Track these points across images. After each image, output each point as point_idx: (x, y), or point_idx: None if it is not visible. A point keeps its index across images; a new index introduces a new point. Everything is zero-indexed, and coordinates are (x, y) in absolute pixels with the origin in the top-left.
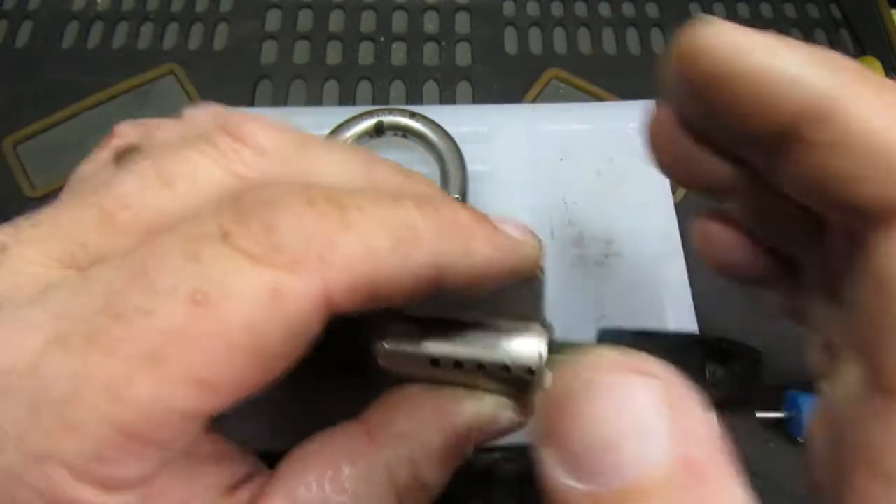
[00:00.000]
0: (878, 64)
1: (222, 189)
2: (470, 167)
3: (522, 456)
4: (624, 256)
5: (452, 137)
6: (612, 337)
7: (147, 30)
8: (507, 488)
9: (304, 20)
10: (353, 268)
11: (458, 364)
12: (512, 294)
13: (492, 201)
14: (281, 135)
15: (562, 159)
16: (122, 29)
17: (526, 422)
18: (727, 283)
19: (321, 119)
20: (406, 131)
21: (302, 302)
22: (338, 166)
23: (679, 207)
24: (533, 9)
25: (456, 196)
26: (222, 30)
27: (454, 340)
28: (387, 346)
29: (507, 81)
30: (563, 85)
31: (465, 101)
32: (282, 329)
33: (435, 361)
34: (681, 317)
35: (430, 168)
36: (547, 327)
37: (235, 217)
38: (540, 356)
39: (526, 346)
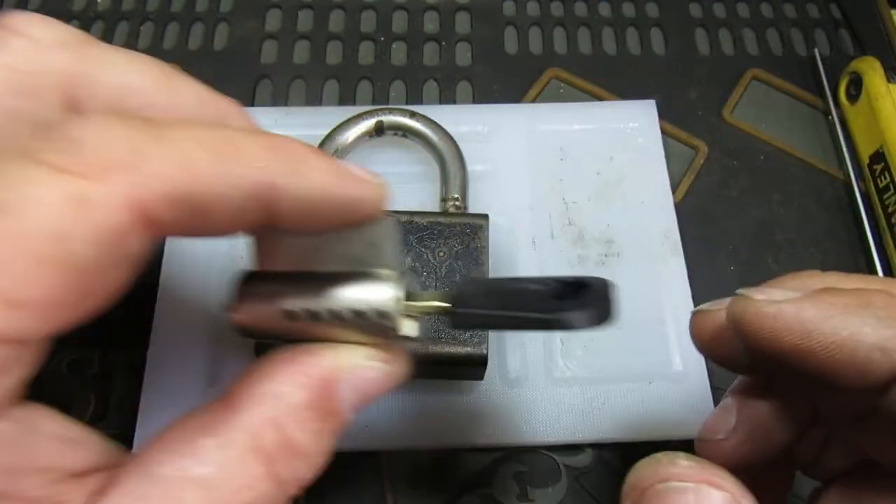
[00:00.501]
0: (877, 64)
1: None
2: (470, 167)
3: (522, 456)
4: (624, 256)
5: (452, 137)
6: (471, 287)
7: (147, 30)
8: (508, 488)
9: (304, 20)
10: (168, 178)
11: (314, 315)
12: (365, 245)
13: (492, 201)
14: (60, 29)
15: (562, 159)
16: (123, 29)
17: (404, 375)
18: (727, 283)
19: (321, 119)
20: (406, 131)
21: (110, 211)
22: (129, 69)
23: (679, 207)
24: (533, 9)
25: (455, 196)
26: (222, 30)
27: (307, 292)
28: (239, 303)
29: (507, 81)
30: (563, 85)
31: (465, 101)
32: (92, 241)
33: (290, 315)
34: (681, 316)
35: (430, 167)
36: (401, 274)
37: (39, 132)
38: (396, 300)
39: (379, 292)
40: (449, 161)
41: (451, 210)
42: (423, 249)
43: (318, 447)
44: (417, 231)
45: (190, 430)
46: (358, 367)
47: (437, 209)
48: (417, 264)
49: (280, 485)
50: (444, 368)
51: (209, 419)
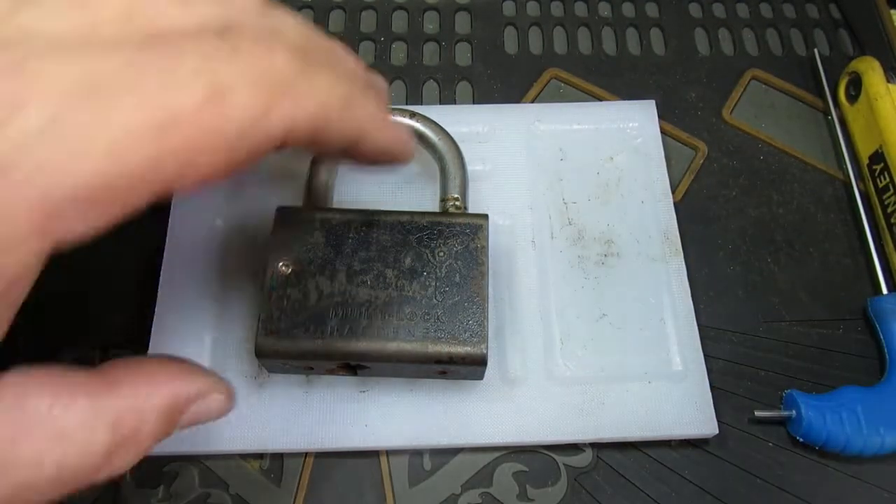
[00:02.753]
0: (877, 64)
1: None
2: (470, 167)
3: (522, 456)
4: (624, 256)
5: (452, 137)
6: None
7: None
8: (508, 488)
9: (305, 20)
10: (309, 115)
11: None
12: None
13: (492, 201)
14: None
15: (562, 159)
16: None
17: (226, 412)
18: (727, 283)
19: None
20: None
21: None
22: None
23: (679, 207)
24: (533, 9)
25: (455, 196)
26: None
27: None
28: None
29: (507, 81)
30: (563, 85)
31: (465, 101)
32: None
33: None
34: (680, 316)
35: (429, 167)
36: None
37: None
38: None
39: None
40: (449, 161)
41: (451, 210)
42: (423, 249)
43: (144, 447)
44: (417, 231)
45: (61, 380)
46: (209, 396)
47: (437, 209)
48: (417, 264)
49: (108, 462)
50: (443, 367)
51: (87, 383)
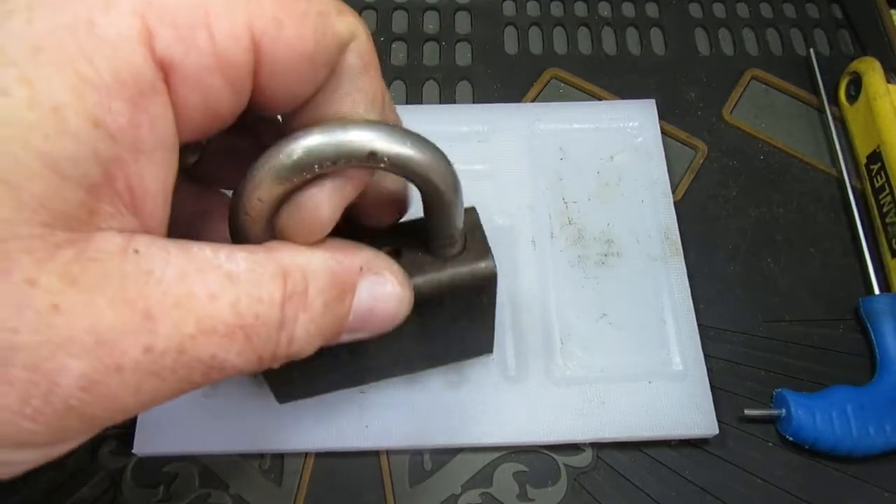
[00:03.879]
0: (877, 64)
1: None
2: (470, 167)
3: (522, 456)
4: (624, 256)
5: (441, 154)
6: None
7: None
8: (508, 488)
9: None
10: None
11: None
12: None
13: (492, 201)
14: None
15: (562, 159)
16: None
17: (407, 306)
18: (727, 283)
19: None
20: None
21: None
22: None
23: (679, 207)
24: (533, 9)
25: (452, 233)
26: None
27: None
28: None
29: (507, 81)
30: (562, 85)
31: (465, 101)
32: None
33: None
34: (680, 316)
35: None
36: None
37: None
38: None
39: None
40: (442, 186)
41: (449, 255)
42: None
43: (316, 324)
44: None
45: (226, 247)
46: (380, 277)
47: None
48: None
49: (279, 328)
50: (452, 318)
51: (246, 247)
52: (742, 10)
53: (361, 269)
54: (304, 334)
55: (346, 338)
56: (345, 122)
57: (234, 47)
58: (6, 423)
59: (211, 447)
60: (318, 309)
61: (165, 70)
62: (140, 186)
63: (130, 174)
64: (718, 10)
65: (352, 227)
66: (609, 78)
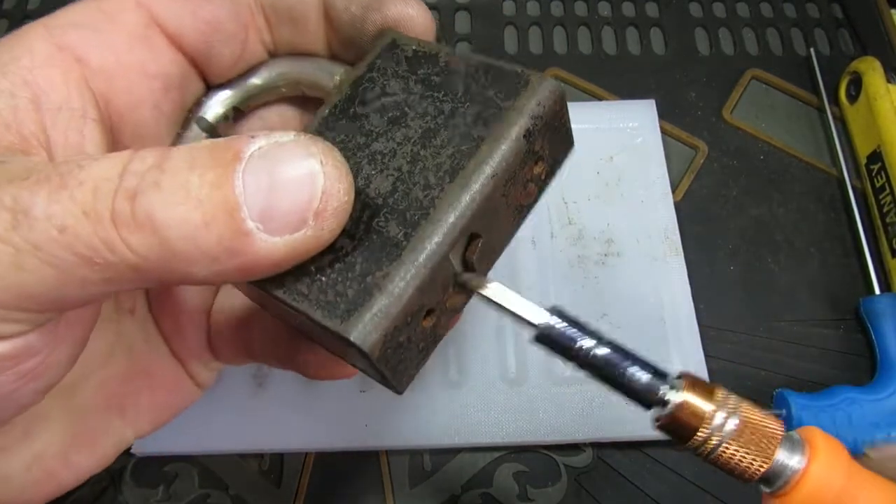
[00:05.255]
0: (877, 64)
1: None
2: None
3: (522, 456)
4: (624, 256)
5: None
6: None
7: None
8: (508, 488)
9: None
10: None
11: None
12: None
13: None
14: None
15: None
16: None
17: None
18: (727, 283)
19: None
20: None
21: None
22: None
23: (679, 207)
24: (533, 9)
25: None
26: None
27: None
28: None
29: None
30: (562, 85)
31: None
32: None
33: None
34: (681, 316)
35: None
36: None
37: None
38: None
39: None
40: None
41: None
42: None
43: (185, 194)
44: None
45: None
46: (278, 137)
47: None
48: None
49: (114, 193)
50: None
51: None
52: (742, 9)
53: (253, 137)
54: (164, 200)
55: (281, 239)
56: None
57: None
58: None
59: (211, 447)
60: (178, 172)
61: None
62: None
63: None
64: (718, 10)
65: None
66: (609, 78)
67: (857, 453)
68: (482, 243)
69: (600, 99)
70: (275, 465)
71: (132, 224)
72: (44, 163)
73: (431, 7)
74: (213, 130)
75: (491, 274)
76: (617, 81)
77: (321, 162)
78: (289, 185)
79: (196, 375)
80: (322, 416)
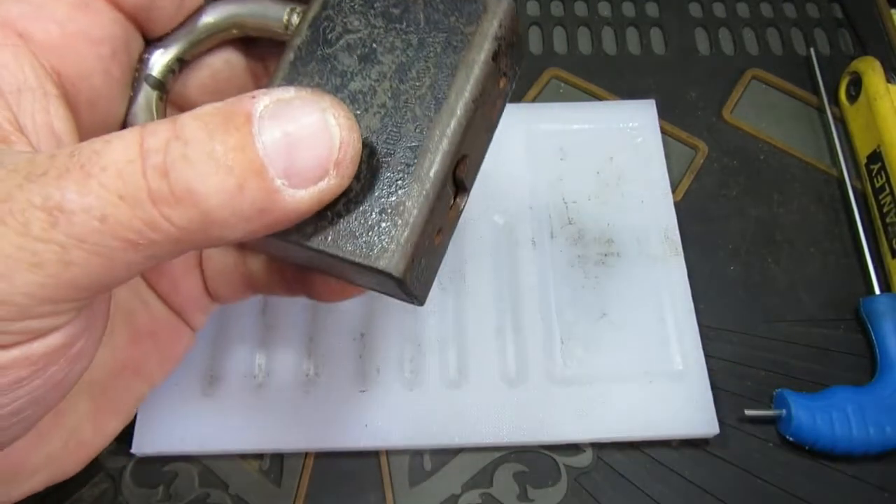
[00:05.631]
0: (877, 64)
1: None
2: None
3: (522, 456)
4: (624, 256)
5: None
6: None
7: None
8: (508, 488)
9: None
10: None
11: None
12: None
13: (492, 201)
14: None
15: (562, 159)
16: None
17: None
18: (727, 283)
19: None
20: None
21: None
22: None
23: (679, 207)
24: (533, 8)
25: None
26: None
27: None
28: None
29: None
30: (563, 85)
31: None
32: None
33: None
34: (681, 316)
35: None
36: None
37: None
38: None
39: None
40: None
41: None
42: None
43: (208, 158)
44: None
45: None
46: (281, 93)
47: None
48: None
49: (142, 171)
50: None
51: None
52: (742, 9)
53: (254, 96)
54: (197, 172)
55: (306, 191)
56: None
57: None
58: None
59: (211, 447)
60: (200, 142)
61: None
62: None
63: None
64: (718, 10)
65: None
66: (609, 78)
67: (855, 453)
68: (469, 161)
69: (600, 99)
70: (275, 465)
71: (171, 199)
72: (48, 155)
73: None
74: (162, 86)
75: (489, 273)
76: (617, 81)
77: (334, 116)
78: (308, 140)
79: (192, 322)
80: (322, 416)
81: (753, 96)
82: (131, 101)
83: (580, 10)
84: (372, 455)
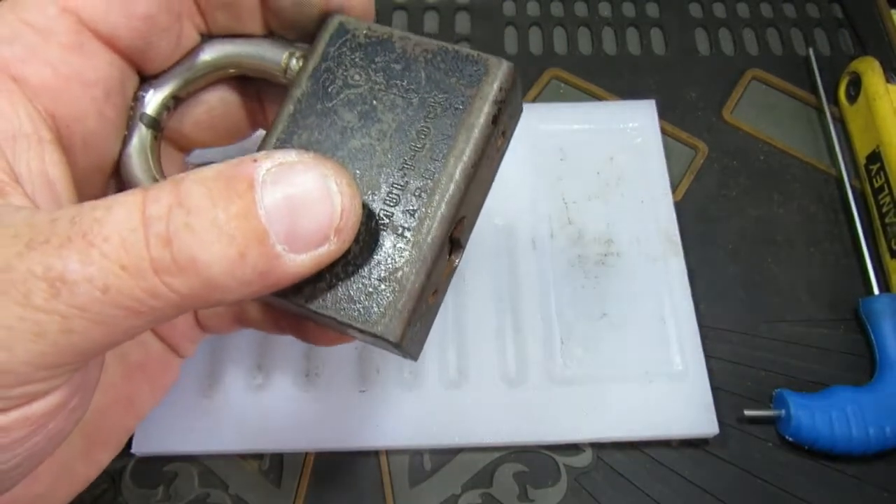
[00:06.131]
0: (877, 64)
1: None
2: None
3: (522, 456)
4: (624, 256)
5: None
6: None
7: None
8: (508, 488)
9: None
10: None
11: None
12: None
13: (491, 201)
14: None
15: (562, 159)
16: None
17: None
18: (727, 283)
19: None
20: None
21: None
22: None
23: (679, 207)
24: (533, 9)
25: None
26: None
27: None
28: None
29: None
30: (563, 85)
31: None
32: None
33: None
34: (681, 316)
35: None
36: None
37: None
38: None
39: None
40: None
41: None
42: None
43: (211, 225)
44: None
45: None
46: (282, 156)
47: None
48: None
49: (145, 240)
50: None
51: None
52: (742, 10)
53: (256, 160)
54: (200, 241)
55: (307, 256)
56: None
57: None
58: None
59: (211, 447)
60: (203, 210)
61: None
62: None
63: None
64: (718, 10)
65: None
66: (609, 78)
67: (854, 453)
68: (466, 221)
69: (600, 99)
70: (275, 465)
71: (174, 268)
72: (48, 218)
73: (431, 8)
74: (156, 125)
75: (489, 273)
76: (617, 81)
77: (336, 182)
78: (310, 206)
79: (182, 351)
80: (322, 416)
81: (753, 96)
82: (126, 140)
83: (580, 10)
84: (372, 455)
